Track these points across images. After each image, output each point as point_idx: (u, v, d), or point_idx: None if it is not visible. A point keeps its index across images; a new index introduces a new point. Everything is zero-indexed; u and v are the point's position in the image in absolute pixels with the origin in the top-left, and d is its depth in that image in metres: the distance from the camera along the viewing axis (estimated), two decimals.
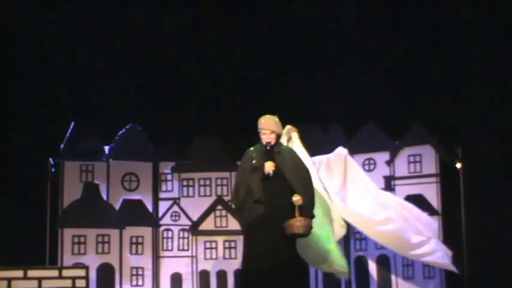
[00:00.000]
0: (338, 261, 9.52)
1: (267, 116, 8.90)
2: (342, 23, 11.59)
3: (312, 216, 8.71)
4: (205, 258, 10.89)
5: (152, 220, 10.89)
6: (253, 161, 8.77)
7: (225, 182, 11.04)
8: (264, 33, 11.64)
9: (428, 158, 10.71)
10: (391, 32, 11.38)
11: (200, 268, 10.85)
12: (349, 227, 10.79)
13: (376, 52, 11.42)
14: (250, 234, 8.65)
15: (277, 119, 8.90)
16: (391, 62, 11.30)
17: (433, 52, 11.24)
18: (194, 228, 10.92)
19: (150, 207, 10.91)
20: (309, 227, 8.60)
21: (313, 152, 10.74)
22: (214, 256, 10.91)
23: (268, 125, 8.82)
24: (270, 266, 8.44)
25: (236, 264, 10.61)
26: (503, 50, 10.93)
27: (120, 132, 10.99)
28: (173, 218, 10.92)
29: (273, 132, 8.81)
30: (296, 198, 8.54)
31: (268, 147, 8.78)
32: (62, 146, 10.70)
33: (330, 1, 11.59)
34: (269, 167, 8.61)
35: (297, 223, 8.48)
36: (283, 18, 11.67)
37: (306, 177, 8.82)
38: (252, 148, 8.95)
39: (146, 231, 10.82)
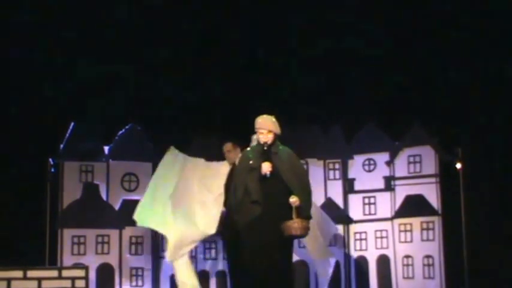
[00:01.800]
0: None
1: (264, 115, 8.83)
2: (342, 23, 11.58)
3: (309, 218, 8.70)
4: (205, 259, 10.88)
5: None
6: (251, 161, 8.71)
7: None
8: (265, 33, 11.64)
9: (428, 159, 10.72)
10: (392, 33, 11.38)
11: (200, 268, 10.83)
12: (348, 227, 10.85)
13: (376, 53, 11.42)
14: (248, 234, 8.63)
15: (274, 119, 8.84)
16: (391, 63, 11.30)
17: (433, 53, 11.23)
18: None
19: None
20: (307, 229, 8.54)
21: (311, 153, 10.80)
22: (213, 256, 10.90)
23: (265, 125, 8.76)
24: (266, 266, 8.42)
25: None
26: (503, 51, 10.93)
27: (120, 132, 11.00)
28: None
29: (270, 132, 8.74)
30: (293, 200, 8.48)
31: (265, 147, 8.73)
32: (61, 146, 10.70)
33: (331, 2, 11.59)
34: (266, 167, 8.56)
35: (294, 225, 8.42)
36: (283, 18, 11.67)
37: (303, 178, 8.77)
38: (249, 148, 8.91)
39: (146, 232, 10.78)
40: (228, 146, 10.02)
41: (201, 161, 10.23)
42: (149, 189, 10.04)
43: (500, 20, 10.93)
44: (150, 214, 9.94)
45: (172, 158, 10.11)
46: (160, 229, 10.00)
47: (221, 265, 10.83)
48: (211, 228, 9.83)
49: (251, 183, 8.59)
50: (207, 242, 10.87)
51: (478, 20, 10.98)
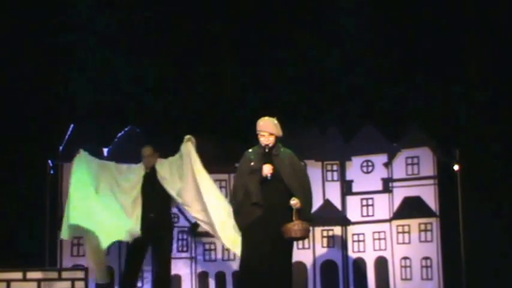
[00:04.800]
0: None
1: (266, 118, 8.88)
2: (341, 24, 11.60)
3: (311, 220, 8.73)
4: (205, 260, 10.91)
5: None
6: (252, 163, 8.75)
7: (223, 184, 11.05)
8: (264, 35, 11.65)
9: (426, 160, 10.78)
10: (389, 33, 11.40)
11: (199, 270, 10.87)
12: (346, 228, 10.89)
13: (375, 53, 11.44)
14: (248, 236, 8.66)
15: (276, 121, 8.88)
16: (390, 64, 11.32)
17: (431, 53, 11.26)
18: (193, 230, 10.94)
19: None
20: (307, 231, 8.59)
21: (310, 154, 10.83)
22: (213, 258, 10.93)
23: (266, 127, 8.80)
24: (267, 269, 8.45)
25: (235, 265, 10.61)
26: (502, 52, 10.96)
27: (119, 134, 11.01)
28: (172, 219, 10.92)
29: (271, 134, 8.78)
30: (294, 202, 8.52)
31: (266, 150, 8.77)
32: (61, 148, 10.70)
33: (329, 4, 11.62)
34: (267, 169, 8.60)
35: (294, 227, 8.45)
36: (281, 20, 11.68)
37: (304, 180, 8.81)
38: (250, 150, 8.92)
39: None
40: (147, 150, 10.00)
41: (112, 164, 10.14)
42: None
43: (500, 19, 10.96)
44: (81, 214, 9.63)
45: (84, 162, 9.90)
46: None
47: (220, 266, 10.87)
48: (136, 230, 9.75)
49: (252, 185, 8.63)
50: (206, 244, 10.93)
51: (477, 20, 11.01)
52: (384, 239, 10.91)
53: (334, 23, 11.58)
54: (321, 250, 10.98)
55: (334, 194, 11.11)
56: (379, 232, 10.94)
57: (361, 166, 11.10)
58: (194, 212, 9.92)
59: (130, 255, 9.98)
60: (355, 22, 11.53)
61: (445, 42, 11.20)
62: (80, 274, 9.86)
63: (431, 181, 10.73)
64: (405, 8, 11.36)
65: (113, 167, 10.12)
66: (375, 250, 10.93)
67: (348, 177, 11.13)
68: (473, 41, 11.09)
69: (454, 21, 11.20)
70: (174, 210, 10.92)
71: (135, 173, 10.03)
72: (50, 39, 11.21)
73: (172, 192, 9.90)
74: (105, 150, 10.94)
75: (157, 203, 9.90)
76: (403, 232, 10.80)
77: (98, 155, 10.78)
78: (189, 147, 9.94)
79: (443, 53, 11.18)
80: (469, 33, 11.11)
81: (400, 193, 10.88)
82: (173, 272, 10.77)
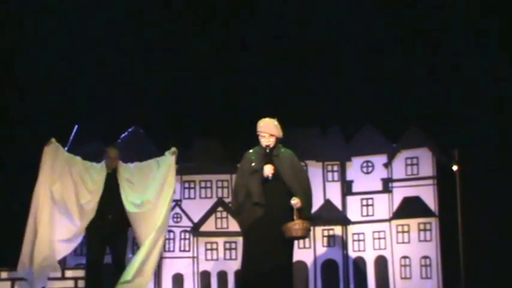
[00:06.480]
0: None
1: (266, 119, 8.97)
2: (340, 25, 11.65)
3: (311, 219, 8.82)
4: (206, 259, 11.00)
5: None
6: (253, 164, 8.83)
7: (225, 184, 11.14)
8: (264, 35, 11.71)
9: (425, 161, 10.85)
10: (389, 34, 11.44)
11: (201, 269, 10.95)
12: (346, 228, 10.95)
13: (375, 54, 11.49)
14: (249, 236, 8.75)
15: (276, 122, 8.97)
16: (389, 65, 11.37)
17: (430, 54, 11.31)
18: (195, 230, 11.03)
19: None
20: (307, 230, 8.67)
21: (310, 155, 10.91)
22: (214, 257, 11.02)
23: (267, 128, 8.89)
24: (268, 268, 8.53)
25: (236, 265, 10.71)
26: (501, 52, 11.01)
27: (123, 135, 11.09)
28: (175, 219, 11.03)
29: (272, 135, 8.87)
30: (295, 201, 8.62)
31: (267, 150, 8.86)
32: (65, 149, 10.72)
33: (327, 4, 11.67)
34: (268, 170, 8.69)
35: (295, 226, 8.55)
36: (281, 21, 11.74)
37: (304, 181, 8.89)
38: (251, 151, 9.01)
39: None
40: (114, 152, 9.90)
41: (78, 159, 9.99)
42: None
43: (499, 20, 11.01)
44: None
45: (54, 151, 9.83)
46: None
47: (222, 266, 10.96)
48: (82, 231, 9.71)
49: (253, 185, 8.72)
50: (208, 243, 11.02)
51: (476, 20, 11.06)
52: (384, 238, 10.98)
53: (333, 23, 11.62)
54: (321, 249, 11.07)
55: (334, 194, 11.19)
56: (379, 232, 11.01)
57: (361, 166, 11.18)
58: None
59: (91, 255, 9.74)
60: (354, 22, 11.57)
61: (444, 42, 11.25)
62: (83, 273, 9.92)
63: (430, 181, 10.81)
64: (406, 7, 11.40)
65: (80, 163, 9.94)
66: (374, 249, 11.00)
67: (348, 177, 11.21)
68: (472, 40, 11.13)
69: (454, 21, 11.25)
70: (177, 210, 11.03)
71: (99, 174, 9.87)
72: (51, 37, 11.30)
73: (133, 198, 9.79)
74: None
75: (116, 204, 9.70)
76: (403, 232, 10.88)
77: (101, 155, 10.89)
78: (173, 160, 9.92)
79: (443, 52, 11.23)
80: (467, 34, 11.16)
81: (400, 193, 10.96)
82: (175, 271, 10.92)
